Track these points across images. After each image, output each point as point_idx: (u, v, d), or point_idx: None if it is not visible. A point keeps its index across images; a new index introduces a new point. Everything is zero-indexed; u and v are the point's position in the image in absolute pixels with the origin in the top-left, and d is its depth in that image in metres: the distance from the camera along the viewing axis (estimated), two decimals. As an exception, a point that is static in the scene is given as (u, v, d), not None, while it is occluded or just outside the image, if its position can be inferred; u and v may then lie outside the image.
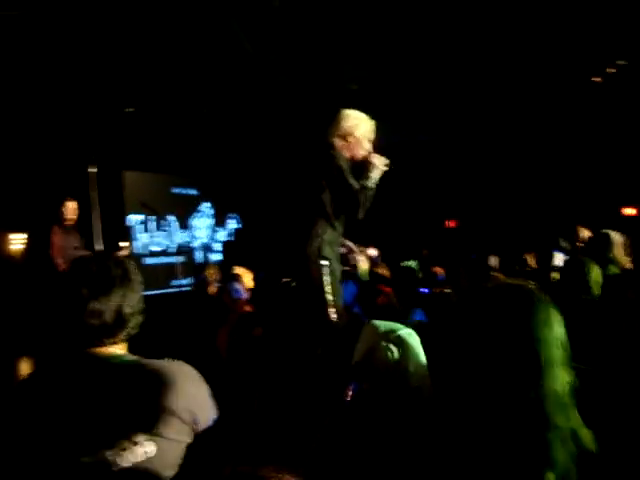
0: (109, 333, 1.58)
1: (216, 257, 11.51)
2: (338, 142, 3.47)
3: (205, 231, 11.89)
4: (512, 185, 11.33)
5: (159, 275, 10.24)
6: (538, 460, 1.27)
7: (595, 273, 3.30)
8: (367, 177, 3.40)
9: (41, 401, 1.51)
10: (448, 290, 4.45)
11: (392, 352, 1.82)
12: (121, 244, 7.16)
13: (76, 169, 7.84)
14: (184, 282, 9.64)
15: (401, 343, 1.84)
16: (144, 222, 10.42)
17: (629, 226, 7.40)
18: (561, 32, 6.82)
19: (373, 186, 3.40)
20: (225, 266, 6.36)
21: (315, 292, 3.31)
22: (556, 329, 1.37)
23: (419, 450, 1.38)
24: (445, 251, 9.54)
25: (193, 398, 1.59)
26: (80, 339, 1.58)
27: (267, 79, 7.88)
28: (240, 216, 12.49)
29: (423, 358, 1.86)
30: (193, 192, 11.57)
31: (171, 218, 11.02)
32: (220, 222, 12.26)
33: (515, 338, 1.34)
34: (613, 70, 7.91)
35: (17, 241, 8.11)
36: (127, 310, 1.59)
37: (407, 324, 2.01)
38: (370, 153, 3.48)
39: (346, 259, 5.25)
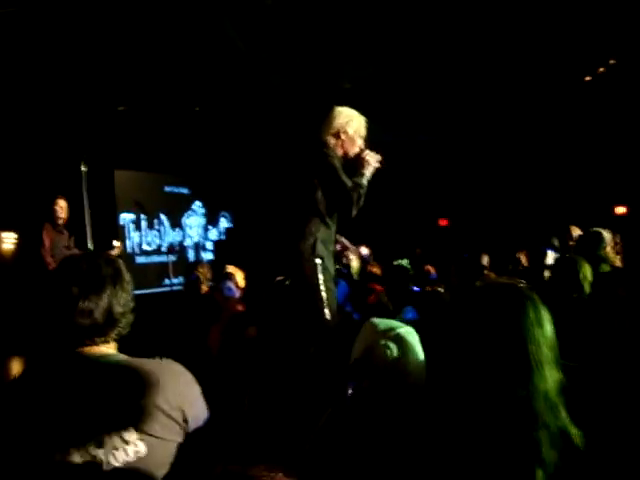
0: (99, 332, 1.57)
1: (208, 256, 11.49)
2: (331, 140, 3.47)
3: (197, 230, 11.86)
4: (505, 184, 11.36)
5: (151, 274, 10.21)
6: (527, 458, 1.28)
7: (586, 271, 3.31)
8: (360, 174, 3.40)
9: (31, 401, 1.50)
10: (440, 289, 4.46)
11: (391, 350, 1.82)
12: (113, 243, 7.13)
13: (67, 168, 7.79)
14: (176, 281, 9.61)
15: (400, 341, 1.84)
16: (136, 221, 10.38)
17: (620, 224, 7.44)
18: (553, 33, 6.84)
19: (366, 183, 3.40)
20: (217, 265, 6.35)
21: (309, 291, 3.30)
22: (546, 328, 1.37)
23: (416, 448, 1.38)
24: (438, 250, 9.56)
25: (184, 397, 1.58)
26: (70, 338, 1.57)
27: (259, 77, 7.87)
28: (232, 215, 12.47)
29: (422, 356, 1.86)
30: (185, 191, 11.54)
31: (163, 217, 10.99)
32: (212, 221, 12.23)
33: (505, 337, 1.34)
34: (605, 70, 7.94)
35: (8, 240, 8.06)
36: (118, 309, 1.58)
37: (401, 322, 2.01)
38: (363, 150, 3.48)
39: (340, 257, 5.25)
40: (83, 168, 7.40)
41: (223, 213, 12.43)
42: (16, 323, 6.69)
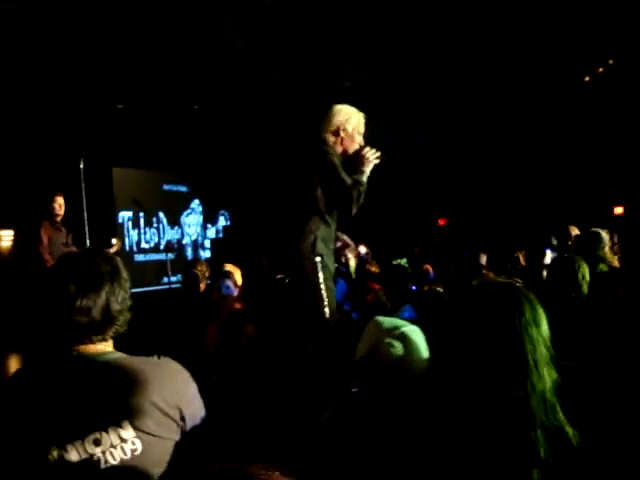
0: (97, 330, 1.57)
1: (206, 254, 11.48)
2: (330, 138, 3.47)
3: (195, 228, 11.86)
4: (504, 184, 11.36)
5: (149, 272, 10.21)
6: (524, 458, 1.28)
7: (584, 271, 3.31)
8: (360, 172, 3.40)
9: (28, 399, 1.50)
10: (438, 288, 4.46)
11: (396, 348, 1.82)
12: (111, 241, 7.13)
13: (65, 165, 7.78)
14: (174, 279, 9.60)
15: (405, 339, 1.85)
16: (134, 219, 10.38)
17: (618, 225, 7.45)
18: (552, 33, 6.85)
19: (366, 181, 3.40)
20: (214, 263, 6.35)
21: (308, 289, 3.30)
22: (543, 328, 1.37)
23: (417, 446, 1.38)
24: (436, 249, 9.56)
25: (181, 395, 1.58)
26: (68, 336, 1.56)
27: (259, 76, 7.86)
28: (230, 213, 12.47)
29: (426, 354, 1.86)
30: (183, 189, 11.54)
31: (161, 215, 10.98)
32: (210, 219, 12.23)
33: (502, 337, 1.34)
34: (604, 70, 7.94)
35: (6, 237, 8.05)
36: (115, 307, 1.58)
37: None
38: (362, 147, 3.48)
39: (339, 255, 5.25)
40: (81, 165, 7.39)
41: (222, 211, 12.43)
42: (14, 321, 6.68)
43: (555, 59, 7.58)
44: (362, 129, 3.54)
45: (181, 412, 1.56)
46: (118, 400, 1.47)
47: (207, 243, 11.85)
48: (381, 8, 6.18)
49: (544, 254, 5.45)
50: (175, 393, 1.56)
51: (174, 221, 11.29)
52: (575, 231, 6.01)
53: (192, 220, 11.77)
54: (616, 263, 4.93)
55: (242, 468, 0.92)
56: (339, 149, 3.47)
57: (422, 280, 5.68)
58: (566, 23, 6.67)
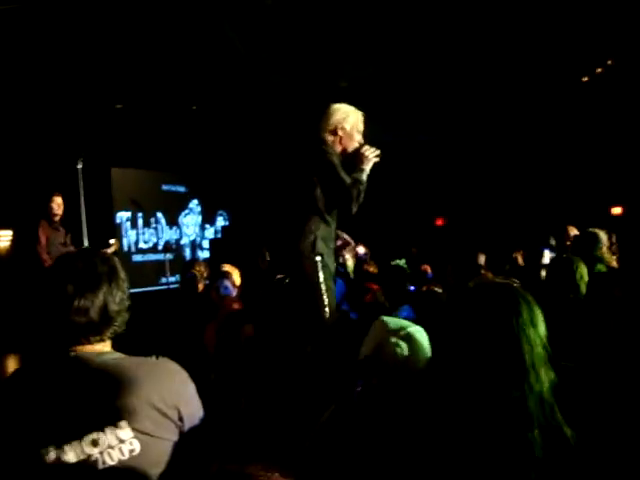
0: (95, 330, 1.56)
1: (204, 254, 11.47)
2: (329, 137, 3.47)
3: (194, 228, 11.85)
4: (502, 184, 11.37)
5: (147, 272, 10.20)
6: (522, 458, 1.28)
7: (582, 271, 3.32)
8: (360, 170, 3.40)
9: (26, 399, 1.50)
10: (436, 288, 4.46)
11: (402, 348, 1.83)
12: (110, 241, 7.13)
13: (64, 165, 7.78)
14: (172, 279, 9.60)
15: (410, 340, 1.85)
16: (132, 219, 10.37)
17: (616, 225, 7.46)
18: (551, 34, 6.85)
19: (365, 179, 3.41)
20: (213, 263, 6.34)
21: (308, 289, 3.31)
22: (540, 328, 1.37)
23: (418, 446, 1.38)
24: (434, 249, 9.56)
25: (179, 396, 1.58)
26: (66, 337, 1.56)
27: (257, 76, 7.86)
28: (229, 213, 12.46)
29: (431, 355, 1.86)
30: (182, 189, 11.53)
31: (159, 215, 10.97)
32: (209, 219, 12.22)
33: (499, 337, 1.34)
34: (603, 70, 7.95)
35: (4, 238, 8.04)
36: (113, 307, 1.58)
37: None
38: (362, 145, 3.48)
39: (337, 254, 5.25)
40: (80, 165, 7.38)
41: (220, 212, 12.42)
42: (12, 321, 6.67)
43: (553, 59, 7.59)
44: (361, 127, 3.54)
45: (179, 412, 1.56)
46: (116, 401, 1.47)
47: (205, 243, 11.84)
48: (380, 8, 6.18)
49: (542, 254, 5.45)
50: (173, 393, 1.56)
51: (172, 221, 11.28)
52: (574, 231, 6.02)
53: (190, 220, 11.77)
54: (614, 263, 4.93)
55: (241, 468, 0.92)
56: (338, 148, 3.47)
57: (420, 280, 5.68)
58: (564, 24, 6.68)
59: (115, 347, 1.65)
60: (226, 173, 11.31)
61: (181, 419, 1.57)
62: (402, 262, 4.77)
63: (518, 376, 1.32)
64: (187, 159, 10.67)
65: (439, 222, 12.98)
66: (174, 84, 7.90)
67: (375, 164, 3.47)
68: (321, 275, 3.28)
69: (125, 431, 1.46)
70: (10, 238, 8.04)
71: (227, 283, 4.61)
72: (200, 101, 8.63)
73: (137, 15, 5.98)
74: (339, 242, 5.02)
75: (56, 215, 6.24)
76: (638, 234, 7.45)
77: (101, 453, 1.43)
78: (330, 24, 6.48)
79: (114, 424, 1.45)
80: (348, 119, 3.50)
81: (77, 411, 1.46)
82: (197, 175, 11.44)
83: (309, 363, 2.89)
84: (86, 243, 6.96)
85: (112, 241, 6.97)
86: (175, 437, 1.56)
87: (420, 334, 1.90)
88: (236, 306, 4.41)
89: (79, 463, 1.42)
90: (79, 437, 1.43)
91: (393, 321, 1.95)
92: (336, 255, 5.00)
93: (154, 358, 1.63)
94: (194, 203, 11.83)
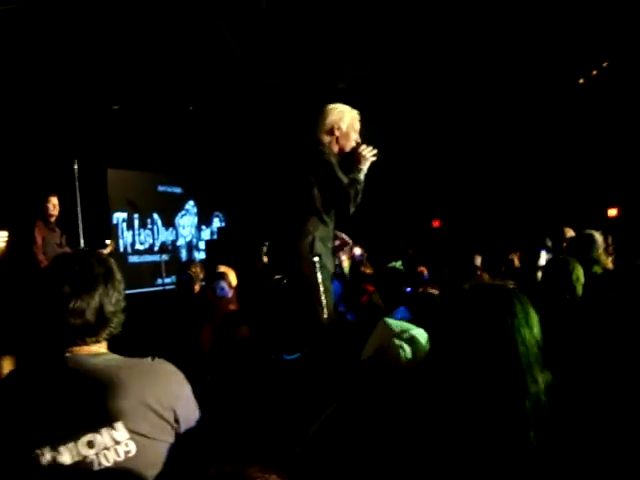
0: (91, 332, 1.56)
1: (201, 256, 11.46)
2: (325, 137, 3.48)
3: (190, 229, 11.84)
4: (498, 185, 11.39)
5: (143, 273, 10.18)
6: (519, 459, 1.28)
7: (578, 273, 3.32)
8: (357, 170, 3.40)
9: (21, 401, 1.49)
10: (433, 290, 4.46)
11: (405, 351, 1.83)
12: (106, 242, 7.12)
13: (60, 166, 7.76)
14: (168, 281, 9.58)
15: (414, 342, 1.85)
16: (128, 220, 10.35)
17: (612, 226, 7.48)
18: (547, 36, 6.87)
19: (363, 179, 3.41)
20: (209, 265, 6.33)
21: (306, 290, 3.31)
22: (535, 330, 1.37)
23: (417, 448, 1.38)
24: (430, 251, 9.57)
25: (175, 397, 1.58)
26: (61, 338, 1.56)
27: (254, 78, 7.86)
28: (225, 215, 12.45)
29: None
30: (178, 190, 11.52)
31: (155, 216, 10.96)
32: (205, 221, 12.21)
33: (495, 339, 1.34)
34: (599, 72, 7.97)
35: (0, 238, 8.02)
36: (109, 309, 1.57)
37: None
38: (359, 145, 3.49)
39: (335, 254, 5.24)
40: (76, 166, 7.37)
41: (216, 213, 12.41)
42: (7, 322, 6.65)
43: (549, 62, 7.61)
44: (357, 126, 3.55)
45: (175, 414, 1.56)
46: (112, 402, 1.47)
47: (201, 245, 11.83)
48: (377, 11, 6.18)
49: (538, 256, 5.45)
50: (169, 395, 1.56)
51: (168, 222, 11.26)
52: (570, 233, 6.02)
53: (186, 221, 11.75)
54: (610, 265, 4.94)
55: (239, 470, 0.91)
56: (335, 148, 3.48)
57: (417, 282, 5.69)
58: (560, 26, 6.69)
59: (111, 348, 1.65)
60: (222, 174, 11.30)
61: (177, 420, 1.57)
62: (399, 264, 4.77)
63: (514, 377, 1.32)
64: (183, 160, 10.66)
65: (435, 224, 12.99)
66: (170, 85, 7.90)
67: (372, 164, 3.47)
68: (319, 276, 3.28)
69: (121, 432, 1.46)
70: (6, 239, 8.01)
71: (223, 284, 4.60)
72: (196, 102, 8.63)
73: (133, 16, 5.97)
74: (337, 242, 5.01)
75: (52, 216, 6.23)
76: (634, 236, 7.47)
77: (97, 454, 1.43)
78: (326, 26, 6.48)
79: (110, 425, 1.45)
80: (344, 119, 3.51)
81: (73, 412, 1.45)
82: (193, 176, 11.43)
83: (306, 364, 2.89)
84: (82, 244, 6.94)
85: (108, 242, 6.95)
86: (171, 438, 1.56)
87: (423, 337, 1.90)
88: (232, 307, 4.40)
89: (74, 464, 1.42)
90: (75, 438, 1.43)
91: (397, 324, 1.95)
92: (338, 253, 5.00)
93: (150, 359, 1.62)
94: (190, 204, 11.82)
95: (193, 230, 11.92)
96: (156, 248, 10.72)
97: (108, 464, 1.44)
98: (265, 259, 5.57)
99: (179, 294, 5.68)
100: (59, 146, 8.13)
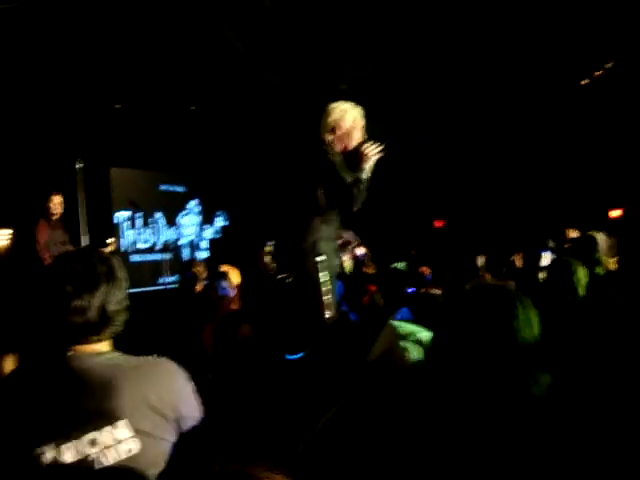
0: (93, 331, 1.56)
1: (203, 255, 11.46)
2: (328, 137, 3.48)
3: (192, 228, 11.84)
4: (501, 186, 11.37)
5: (145, 272, 10.19)
6: (519, 459, 1.28)
7: (581, 274, 3.32)
8: (360, 169, 3.40)
9: (23, 399, 1.50)
10: (435, 290, 4.45)
11: (411, 353, 1.83)
12: (107, 240, 7.13)
13: (63, 165, 7.78)
14: (171, 279, 9.59)
15: (421, 345, 1.85)
16: (131, 219, 10.36)
17: (615, 228, 7.47)
18: (551, 36, 6.86)
19: (367, 177, 3.40)
20: (211, 264, 6.34)
21: (310, 289, 3.31)
22: (536, 330, 1.38)
23: (418, 448, 1.38)
24: (433, 251, 9.57)
25: (178, 395, 1.58)
26: (64, 337, 1.56)
27: (257, 77, 7.86)
28: (228, 214, 12.45)
29: None
30: (181, 189, 11.52)
31: (158, 215, 10.96)
32: (208, 220, 12.22)
33: (496, 339, 1.34)
34: (602, 73, 7.96)
35: (4, 237, 8.03)
36: (112, 308, 1.57)
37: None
38: (363, 143, 3.48)
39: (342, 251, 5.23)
40: (79, 165, 7.39)
41: (219, 212, 12.42)
42: (10, 321, 6.66)
43: (553, 63, 7.60)
44: (360, 123, 3.54)
45: (178, 412, 1.56)
46: (114, 400, 1.47)
47: (204, 244, 11.83)
48: (380, 10, 6.18)
49: (540, 257, 5.45)
50: (172, 393, 1.56)
51: (171, 221, 11.27)
52: (573, 234, 6.02)
53: (189, 221, 11.76)
54: (613, 266, 4.94)
55: (243, 469, 0.91)
56: (338, 147, 3.48)
57: (419, 282, 5.68)
58: (564, 27, 6.68)
59: (114, 347, 1.65)
60: (225, 174, 11.30)
61: (179, 419, 1.57)
62: (402, 265, 4.76)
63: (514, 378, 1.32)
64: (186, 159, 10.66)
65: (438, 224, 12.98)
66: (173, 84, 7.90)
67: (375, 163, 3.46)
68: (323, 275, 3.29)
69: (123, 431, 1.46)
70: (9, 237, 8.03)
71: (225, 283, 4.60)
72: (199, 101, 8.63)
73: (136, 15, 5.97)
74: (339, 241, 5.01)
75: (55, 214, 6.25)
76: (637, 237, 7.46)
77: (99, 453, 1.43)
78: (329, 25, 6.48)
79: (112, 424, 1.45)
80: (346, 117, 3.50)
81: (75, 411, 1.46)
82: (196, 175, 11.44)
83: (309, 363, 2.89)
84: (85, 242, 6.96)
85: (110, 240, 6.96)
86: (173, 437, 1.56)
87: (428, 339, 1.90)
88: (234, 306, 4.41)
89: (76, 463, 1.42)
90: (77, 437, 1.43)
91: (404, 326, 1.95)
92: (343, 251, 5.00)
93: (153, 358, 1.62)
94: (193, 203, 11.83)
95: (196, 229, 11.93)
96: (158, 247, 10.72)
97: (110, 463, 1.44)
98: (267, 259, 5.56)
99: (181, 293, 5.68)
100: (62, 145, 8.14)
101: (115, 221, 10.01)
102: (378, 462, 1.46)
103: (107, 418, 1.46)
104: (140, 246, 10.54)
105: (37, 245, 6.02)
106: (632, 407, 1.78)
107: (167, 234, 11.12)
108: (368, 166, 3.42)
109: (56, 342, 1.56)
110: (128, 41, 6.51)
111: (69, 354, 1.54)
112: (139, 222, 10.53)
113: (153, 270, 10.29)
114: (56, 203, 6.25)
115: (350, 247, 5.94)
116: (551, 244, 6.22)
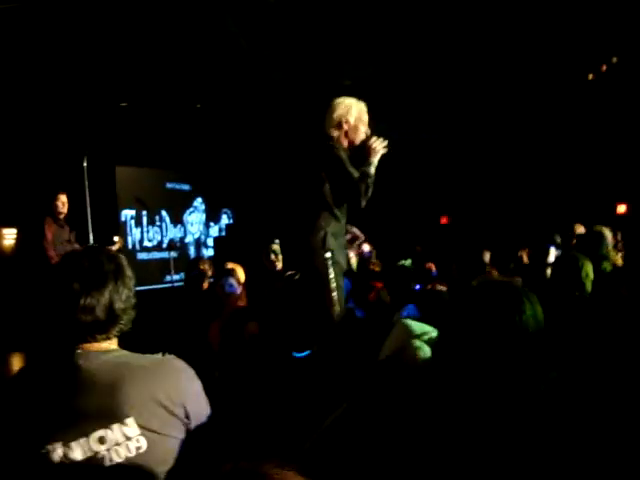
0: (101, 329, 1.56)
1: (209, 252, 11.48)
2: (334, 132, 3.48)
3: (198, 226, 11.86)
4: (507, 181, 11.34)
5: (152, 270, 10.21)
6: (527, 456, 1.28)
7: (588, 269, 3.30)
8: (368, 163, 3.40)
9: (32, 397, 1.50)
10: (441, 287, 4.45)
11: (424, 352, 1.83)
12: (114, 239, 7.15)
13: (68, 163, 7.79)
14: (177, 277, 9.61)
15: (433, 344, 1.85)
16: (137, 217, 10.38)
17: (622, 223, 7.44)
18: (556, 31, 6.83)
19: (374, 172, 3.40)
20: (217, 261, 6.34)
21: (318, 285, 3.31)
22: (542, 326, 1.37)
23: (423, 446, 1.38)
24: (439, 247, 9.55)
25: (186, 393, 1.58)
26: (71, 335, 1.56)
27: (261, 74, 7.85)
28: (233, 212, 12.47)
29: None
30: (186, 187, 11.54)
31: (164, 213, 10.98)
32: (213, 217, 12.23)
33: (502, 336, 1.34)
34: (608, 67, 7.93)
35: (10, 236, 8.06)
36: (119, 306, 1.57)
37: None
38: (369, 137, 3.48)
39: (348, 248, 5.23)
40: (85, 164, 7.41)
41: (224, 210, 12.43)
42: (17, 319, 6.69)
43: (558, 57, 7.57)
44: (365, 118, 3.54)
45: (186, 410, 1.56)
46: (122, 398, 1.47)
47: (210, 241, 11.85)
48: (383, 6, 6.17)
49: (547, 252, 5.43)
50: (180, 391, 1.56)
51: (177, 219, 11.29)
52: (580, 229, 6.00)
53: (195, 218, 11.78)
54: (620, 262, 4.92)
55: (255, 467, 0.90)
56: (345, 142, 3.48)
57: (425, 278, 5.67)
58: (569, 21, 6.66)
59: (121, 345, 1.65)
60: (230, 171, 11.31)
61: (187, 416, 1.57)
62: (408, 262, 4.76)
63: (522, 375, 1.32)
64: (192, 157, 10.68)
65: (444, 220, 12.95)
66: (178, 82, 7.90)
67: (381, 158, 3.46)
68: (331, 272, 3.29)
69: (132, 428, 1.46)
70: (15, 236, 8.06)
71: (231, 281, 4.61)
72: (204, 99, 8.63)
73: (141, 13, 5.98)
74: (347, 237, 5.01)
75: (61, 213, 6.27)
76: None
77: (108, 450, 1.44)
78: (333, 21, 6.47)
79: (121, 421, 1.46)
80: (351, 112, 3.50)
81: (84, 409, 1.46)
82: (201, 173, 11.45)
83: (317, 360, 2.89)
84: (91, 241, 6.97)
85: (116, 239, 6.98)
86: (182, 435, 1.56)
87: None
88: (241, 303, 4.42)
89: (86, 460, 1.43)
90: (86, 434, 1.44)
91: (416, 325, 1.95)
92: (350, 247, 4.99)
93: (160, 356, 1.63)
94: (198, 201, 11.84)
95: (201, 227, 11.95)
96: (164, 245, 10.75)
97: (119, 460, 1.44)
98: (273, 257, 5.56)
99: (188, 291, 5.69)
100: (68, 144, 8.16)
101: (121, 219, 10.03)
102: (387, 460, 1.46)
103: (115, 416, 1.46)
104: (146, 244, 10.56)
105: (44, 243, 6.04)
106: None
107: (173, 232, 11.15)
108: (375, 160, 3.42)
109: (64, 340, 1.57)
110: (133, 39, 6.52)
111: (77, 352, 1.54)
112: (145, 220, 10.55)
113: (159, 268, 10.32)
114: (62, 202, 6.27)
115: (357, 243, 5.93)
116: (558, 239, 6.20)
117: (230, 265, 4.95)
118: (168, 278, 9.82)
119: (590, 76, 8.30)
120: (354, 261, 6.01)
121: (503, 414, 1.31)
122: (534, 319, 1.36)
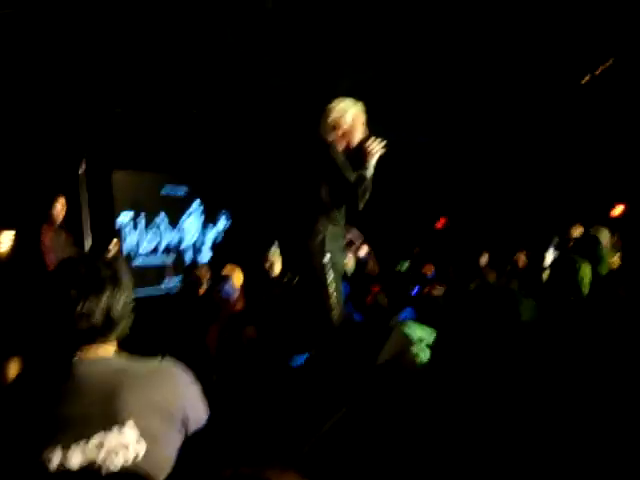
0: (98, 335, 1.56)
1: (206, 256, 11.47)
2: (330, 136, 3.47)
3: (195, 230, 11.85)
4: (504, 184, 11.36)
5: (149, 275, 10.19)
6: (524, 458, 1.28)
7: (585, 271, 3.31)
8: (364, 167, 3.40)
9: (29, 404, 1.49)
10: (438, 288, 4.46)
11: (421, 358, 1.83)
12: (110, 243, 7.14)
13: (66, 168, 7.79)
14: (174, 282, 9.59)
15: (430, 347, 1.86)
16: (133, 221, 10.36)
17: (619, 224, 7.45)
18: (551, 33, 6.86)
19: (371, 174, 3.40)
20: (215, 265, 6.34)
21: (317, 289, 3.31)
22: (537, 328, 1.38)
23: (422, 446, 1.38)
24: (436, 250, 9.56)
25: (183, 398, 1.58)
26: (69, 341, 1.56)
27: (259, 79, 7.86)
28: (231, 215, 12.46)
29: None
30: (183, 191, 11.52)
31: (161, 217, 10.96)
32: (211, 222, 12.22)
33: (500, 339, 1.35)
34: (604, 69, 7.96)
35: (6, 239, 8.03)
36: (117, 312, 1.57)
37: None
38: (366, 139, 3.48)
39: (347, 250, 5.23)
40: (82, 168, 7.40)
41: (222, 214, 12.42)
42: (15, 325, 6.67)
43: (554, 59, 7.59)
44: (362, 119, 3.53)
45: (184, 415, 1.56)
46: (121, 403, 1.47)
47: (207, 246, 11.83)
48: (382, 11, 6.18)
49: (544, 255, 5.44)
50: (178, 396, 1.56)
51: (174, 224, 11.28)
52: (579, 230, 6.01)
53: (192, 223, 11.76)
54: (617, 263, 4.93)
55: (257, 472, 0.90)
56: (341, 145, 3.48)
57: (422, 281, 5.68)
58: (565, 24, 6.68)
59: (119, 350, 1.65)
60: (227, 176, 11.30)
61: (186, 421, 1.57)
62: (407, 264, 4.76)
63: (517, 376, 1.33)
64: (189, 162, 10.67)
65: (441, 223, 12.95)
66: (175, 87, 7.90)
67: (379, 160, 3.46)
68: (330, 275, 3.29)
69: (130, 434, 1.46)
70: (12, 240, 8.04)
71: (228, 285, 4.61)
72: (201, 104, 8.63)
73: (137, 18, 5.98)
74: (349, 236, 5.01)
75: (58, 217, 6.25)
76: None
77: (106, 457, 1.43)
78: (331, 27, 6.48)
79: (119, 427, 1.45)
80: (347, 114, 3.50)
81: (81, 414, 1.45)
82: (199, 178, 11.44)
83: (315, 364, 2.89)
84: (88, 245, 6.96)
85: (113, 242, 6.97)
86: (180, 440, 1.56)
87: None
88: (238, 307, 4.42)
89: (84, 466, 1.42)
90: (84, 440, 1.43)
91: (415, 331, 1.96)
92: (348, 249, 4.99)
93: (159, 360, 1.62)
94: (195, 205, 11.83)
95: (199, 231, 11.93)
96: (162, 249, 10.73)
97: (117, 466, 1.44)
98: (268, 265, 5.55)
99: (185, 295, 5.69)
100: (65, 149, 8.15)
101: (118, 224, 10.01)
102: (386, 464, 1.46)
103: (113, 422, 1.46)
104: (143, 249, 10.54)
105: (42, 247, 6.02)
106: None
107: (170, 236, 11.13)
108: (372, 163, 3.42)
109: (61, 347, 1.56)
110: (130, 45, 6.52)
111: (74, 359, 1.54)
112: (142, 224, 10.53)
113: (156, 273, 10.29)
114: (61, 204, 6.26)
115: (354, 247, 5.93)
116: (556, 241, 6.21)
117: (228, 268, 4.95)
118: (165, 282, 9.81)
119: (586, 78, 8.33)
120: (351, 264, 6.00)
121: (502, 414, 1.32)
122: (529, 322, 1.37)
